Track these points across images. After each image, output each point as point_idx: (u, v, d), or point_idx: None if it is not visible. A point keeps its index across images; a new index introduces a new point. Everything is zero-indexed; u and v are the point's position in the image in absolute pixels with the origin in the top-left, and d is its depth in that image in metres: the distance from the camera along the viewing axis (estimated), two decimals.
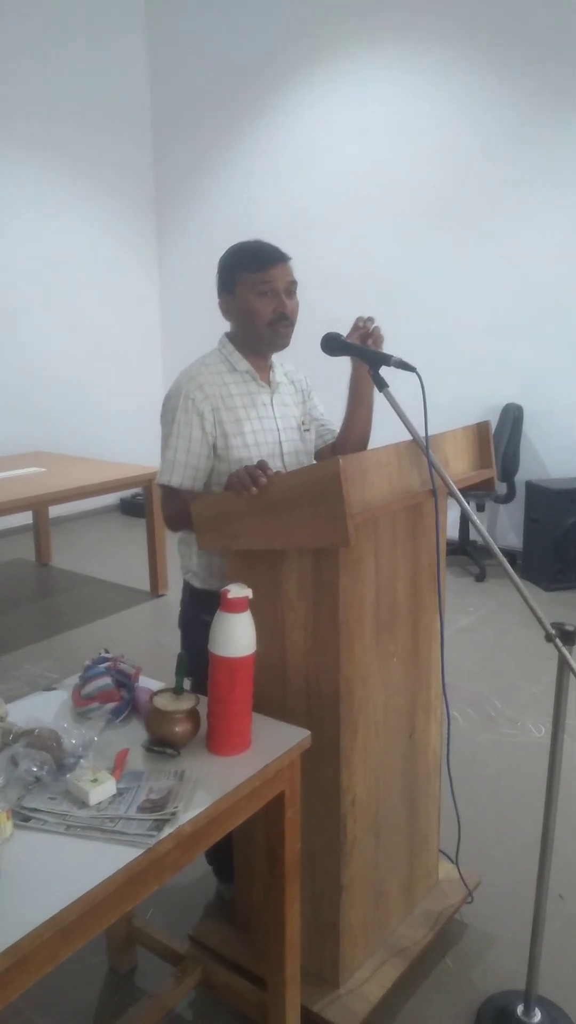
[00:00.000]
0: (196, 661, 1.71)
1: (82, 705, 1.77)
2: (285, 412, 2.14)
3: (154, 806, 1.42)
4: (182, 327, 7.37)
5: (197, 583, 2.12)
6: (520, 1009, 1.96)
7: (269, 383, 2.12)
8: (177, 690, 1.64)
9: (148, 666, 1.98)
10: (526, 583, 5.28)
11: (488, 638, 4.41)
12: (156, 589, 5.13)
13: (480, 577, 5.36)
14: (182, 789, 1.47)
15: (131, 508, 7.16)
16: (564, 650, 1.69)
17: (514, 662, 4.08)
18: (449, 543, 5.66)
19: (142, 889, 1.35)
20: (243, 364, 2.07)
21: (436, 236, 5.72)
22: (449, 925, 2.27)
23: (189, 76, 6.86)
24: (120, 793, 1.46)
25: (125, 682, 1.83)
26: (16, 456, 5.66)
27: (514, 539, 5.71)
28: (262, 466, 1.69)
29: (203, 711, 1.66)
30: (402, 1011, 2.03)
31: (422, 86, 5.59)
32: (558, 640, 1.69)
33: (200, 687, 1.69)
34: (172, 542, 5.09)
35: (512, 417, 5.34)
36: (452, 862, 2.34)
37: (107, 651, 1.93)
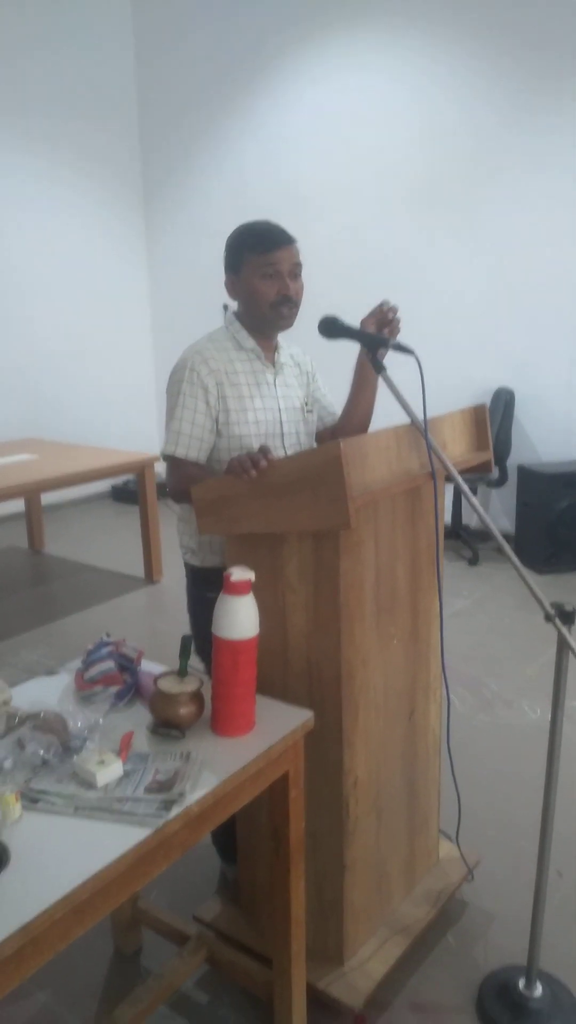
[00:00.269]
0: (203, 640, 1.72)
1: (85, 689, 1.78)
2: (288, 393, 2.15)
3: (161, 787, 1.44)
4: (172, 313, 7.35)
5: (196, 562, 2.14)
6: (522, 983, 1.99)
7: (274, 363, 2.14)
8: (181, 672, 1.66)
9: (147, 651, 1.98)
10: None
11: (482, 622, 4.44)
12: (151, 575, 5.13)
13: (473, 561, 5.39)
14: (188, 770, 1.48)
15: (123, 495, 7.16)
16: (564, 629, 1.71)
17: (509, 645, 4.11)
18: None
19: (152, 868, 1.37)
20: (249, 342, 2.10)
21: (427, 221, 5.71)
22: (450, 903, 2.30)
23: (176, 62, 6.81)
24: (127, 775, 1.47)
25: (128, 666, 1.83)
26: (8, 443, 5.64)
27: (506, 523, 5.73)
28: (263, 450, 1.70)
29: (208, 693, 1.67)
30: (405, 987, 2.06)
31: (412, 71, 5.56)
32: (557, 620, 1.71)
33: (211, 666, 1.70)
34: (166, 529, 5.14)
35: (504, 401, 5.36)
36: (452, 841, 2.36)
37: (109, 635, 1.94)
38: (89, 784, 1.44)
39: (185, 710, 1.61)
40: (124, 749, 1.55)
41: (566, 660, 1.76)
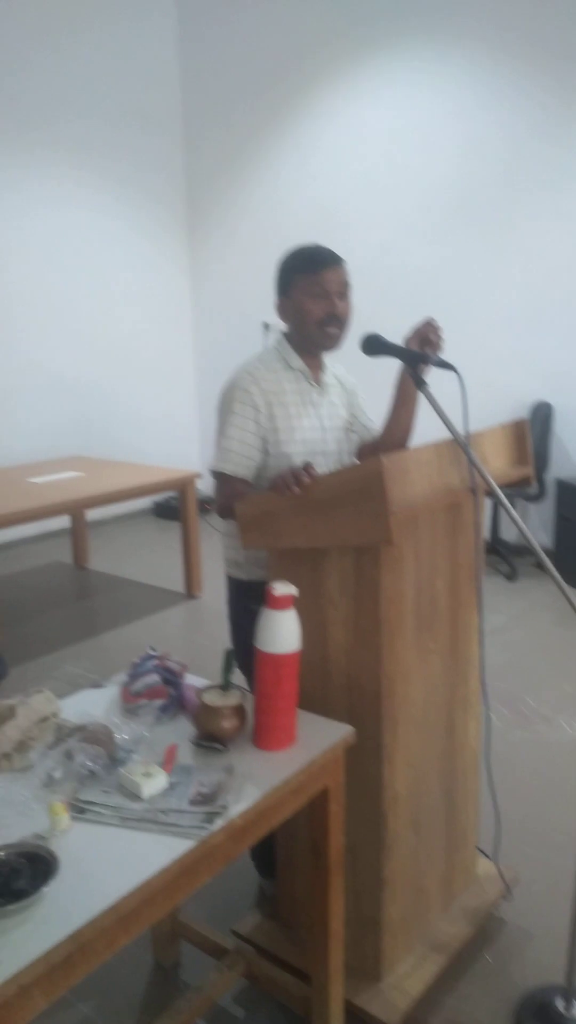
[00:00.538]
0: (245, 653, 1.74)
1: (131, 701, 1.81)
2: (333, 412, 2.19)
3: (205, 799, 1.46)
4: (214, 333, 7.41)
5: (241, 575, 2.18)
6: (560, 1003, 1.97)
7: (320, 383, 2.17)
8: (224, 686, 1.68)
9: (189, 665, 2.01)
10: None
11: (520, 637, 4.41)
12: (191, 590, 5.17)
13: (511, 576, 5.36)
14: (231, 783, 1.50)
15: (165, 511, 7.22)
16: None
17: (547, 661, 4.07)
18: None
19: (195, 880, 1.39)
20: (297, 362, 2.14)
21: (464, 234, 5.72)
22: (488, 921, 2.29)
23: (220, 78, 6.91)
24: (171, 787, 1.49)
25: (172, 679, 1.86)
26: (55, 461, 5.73)
27: (545, 537, 5.69)
28: (306, 466, 1.73)
29: (249, 707, 1.69)
30: (443, 1006, 2.05)
31: (450, 86, 5.60)
32: None
33: (252, 678, 1.72)
34: (206, 544, 5.17)
35: (542, 415, 5.33)
36: (490, 859, 2.35)
37: (154, 649, 1.97)
38: (135, 795, 1.46)
39: (228, 723, 1.64)
40: (168, 761, 1.57)
41: None
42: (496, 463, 2.08)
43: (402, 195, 5.96)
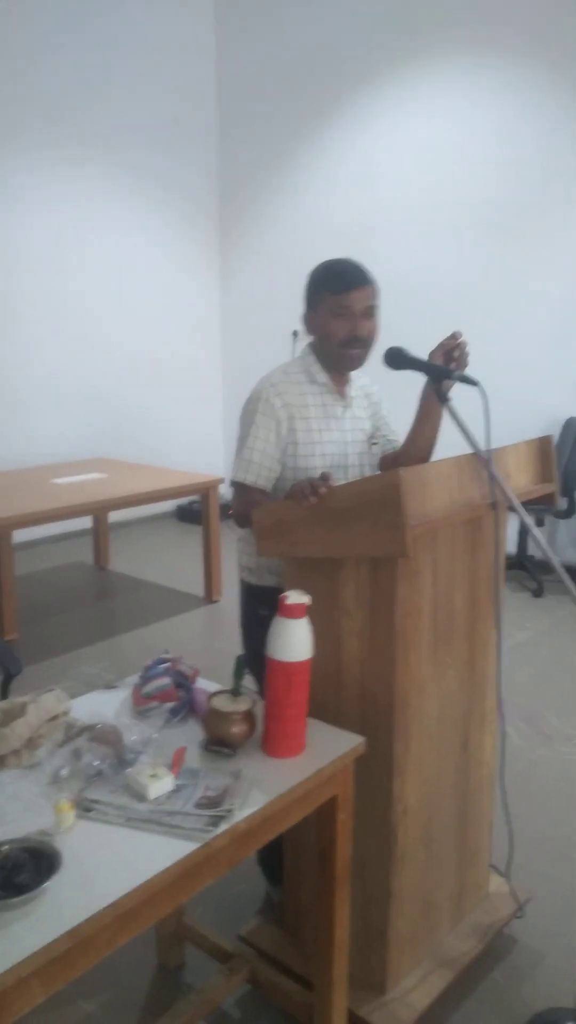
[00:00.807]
0: (255, 658, 1.75)
1: (142, 704, 1.82)
2: (356, 426, 2.20)
3: (211, 803, 1.46)
4: (242, 340, 7.45)
5: (253, 580, 2.19)
6: None
7: (344, 396, 2.17)
8: (235, 692, 1.68)
9: (203, 669, 2.02)
10: None
11: (544, 654, 4.37)
12: (210, 595, 5.19)
13: (538, 593, 5.31)
14: (238, 788, 1.51)
15: (187, 515, 7.26)
16: None
17: (571, 679, 4.03)
18: (507, 558, 5.61)
19: (197, 882, 1.39)
20: (322, 376, 2.14)
21: (499, 249, 5.70)
22: (498, 939, 2.27)
23: (255, 85, 6.96)
24: (178, 789, 1.50)
25: (183, 683, 1.87)
26: (80, 462, 5.80)
27: (573, 555, 5.64)
28: (324, 477, 1.73)
29: (260, 713, 1.69)
30: (448, 1022, 2.03)
31: (487, 99, 5.59)
32: None
33: (262, 683, 1.72)
34: (227, 549, 5.19)
35: (574, 431, 5.29)
36: (503, 876, 2.33)
37: (167, 652, 1.98)
38: (141, 796, 1.47)
39: (237, 729, 1.64)
40: (176, 764, 1.58)
41: None
42: (519, 479, 2.07)
43: (436, 208, 5.95)
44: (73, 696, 1.88)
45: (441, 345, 2.01)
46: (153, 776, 1.49)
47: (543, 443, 2.14)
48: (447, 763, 2.04)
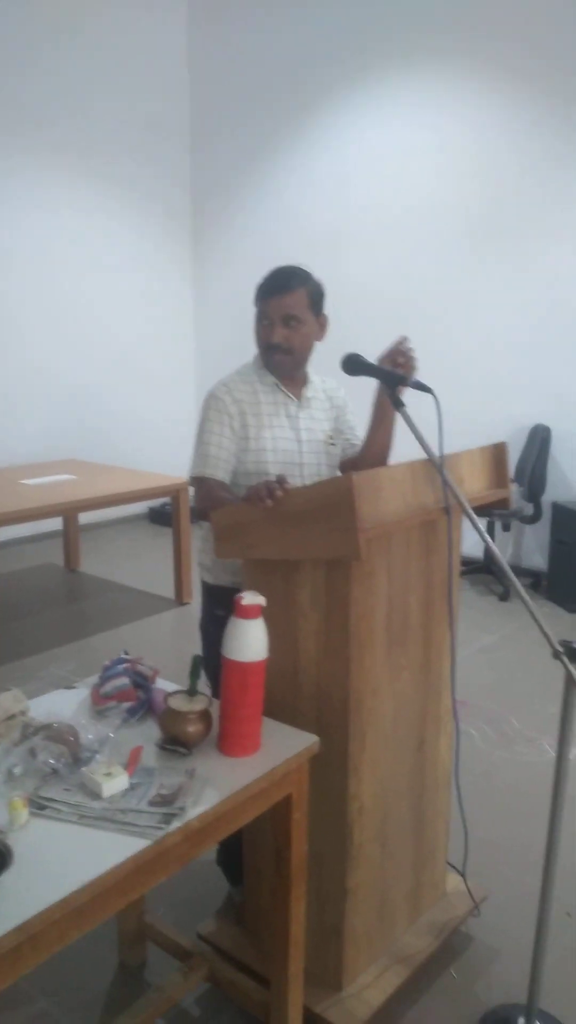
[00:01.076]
0: (211, 657, 1.77)
1: (100, 704, 1.84)
2: (312, 426, 2.23)
3: (164, 801, 1.48)
4: (215, 340, 7.48)
5: (210, 579, 2.23)
6: (521, 1022, 1.99)
7: (299, 396, 2.22)
8: (191, 692, 1.71)
9: (170, 671, 2.04)
10: (551, 604, 5.28)
11: (509, 657, 4.43)
12: (180, 597, 5.21)
13: (504, 597, 5.37)
14: (191, 786, 1.53)
15: (159, 517, 7.27)
16: (571, 667, 1.73)
17: (534, 682, 4.09)
18: (473, 562, 5.68)
19: (150, 878, 1.42)
20: (269, 377, 2.20)
21: (470, 256, 5.77)
22: (454, 937, 2.31)
23: (228, 89, 6.99)
24: (132, 787, 1.52)
25: (142, 683, 1.89)
26: (50, 463, 5.80)
27: (539, 560, 5.71)
28: (280, 479, 1.76)
29: (216, 713, 1.72)
30: (404, 1018, 2.07)
31: (460, 107, 5.65)
32: (564, 657, 1.73)
33: (217, 683, 1.75)
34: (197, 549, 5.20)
35: (540, 438, 5.37)
36: (461, 875, 2.37)
37: (126, 653, 2.00)
38: (95, 794, 1.49)
39: (193, 728, 1.66)
40: (132, 763, 1.60)
41: (574, 697, 1.78)
42: (473, 485, 2.11)
43: (408, 215, 6.01)
44: (35, 697, 1.90)
45: (389, 351, 2.06)
46: (108, 775, 1.51)
47: (497, 449, 2.18)
48: (403, 763, 2.07)
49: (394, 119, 6.00)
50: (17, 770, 1.51)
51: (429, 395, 1.88)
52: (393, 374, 1.97)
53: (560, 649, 1.73)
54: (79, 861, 1.33)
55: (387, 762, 2.01)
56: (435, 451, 1.86)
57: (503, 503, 2.21)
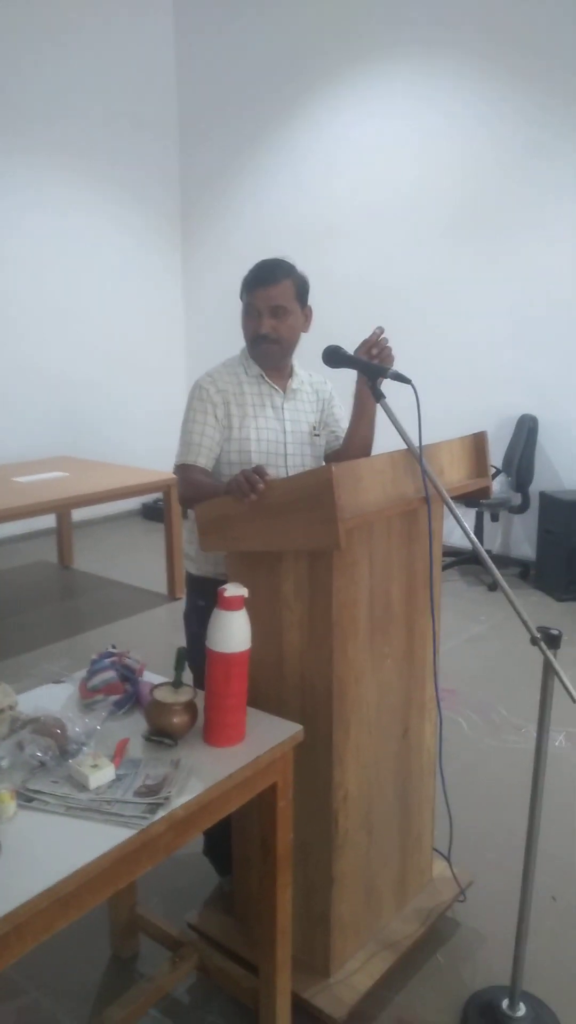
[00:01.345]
0: (193, 647, 1.79)
1: (88, 697, 1.86)
2: (296, 417, 2.26)
3: (149, 791, 1.51)
4: (206, 334, 7.50)
5: (194, 569, 2.25)
6: (505, 1003, 2.02)
7: (284, 388, 2.25)
8: (176, 683, 1.73)
9: (161, 666, 2.06)
10: (539, 593, 5.32)
11: (497, 647, 4.46)
12: (173, 592, 5.23)
13: (493, 587, 5.41)
14: (176, 776, 1.55)
15: (153, 513, 7.29)
16: (548, 653, 1.76)
17: (522, 671, 4.12)
18: (462, 552, 5.72)
19: (136, 867, 1.44)
20: (254, 369, 2.23)
21: (455, 249, 5.79)
22: (441, 922, 2.34)
23: (215, 86, 7.00)
24: (118, 778, 1.54)
25: (129, 676, 1.91)
26: (41, 461, 5.81)
27: (528, 549, 5.75)
28: (259, 471, 1.78)
29: (201, 704, 1.74)
30: (391, 1003, 2.10)
31: (443, 100, 5.67)
32: (542, 643, 1.76)
33: (199, 673, 1.77)
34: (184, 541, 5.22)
35: (527, 428, 5.39)
36: (448, 861, 2.40)
37: (114, 646, 2.02)
38: (82, 786, 1.51)
39: (178, 719, 1.69)
40: (118, 755, 1.62)
41: (552, 683, 1.81)
42: (454, 475, 2.13)
43: (396, 208, 6.03)
44: (25, 692, 1.92)
45: (364, 342, 2.08)
46: (94, 766, 1.53)
47: (477, 439, 2.21)
48: (387, 751, 2.10)
49: (378, 113, 6.01)
50: (5, 763, 1.53)
51: (409, 386, 1.90)
52: (372, 366, 1.99)
53: (538, 635, 1.76)
54: (66, 851, 1.35)
55: (371, 750, 2.04)
56: (415, 441, 1.88)
57: (484, 492, 2.23)
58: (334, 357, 2.01)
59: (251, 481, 1.77)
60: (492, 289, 5.67)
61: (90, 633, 4.69)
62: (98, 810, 1.46)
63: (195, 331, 7.63)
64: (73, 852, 1.34)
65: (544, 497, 5.37)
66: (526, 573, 5.62)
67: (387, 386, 1.97)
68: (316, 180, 6.47)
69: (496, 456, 5.58)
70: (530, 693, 3.85)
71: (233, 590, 1.66)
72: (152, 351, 7.42)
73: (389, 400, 1.94)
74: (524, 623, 1.76)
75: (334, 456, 2.33)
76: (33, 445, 6.36)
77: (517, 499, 5.50)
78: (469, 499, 2.24)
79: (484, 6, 5.35)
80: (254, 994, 1.96)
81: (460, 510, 2.00)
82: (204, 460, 2.16)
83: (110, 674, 1.89)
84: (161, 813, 1.45)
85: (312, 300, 2.23)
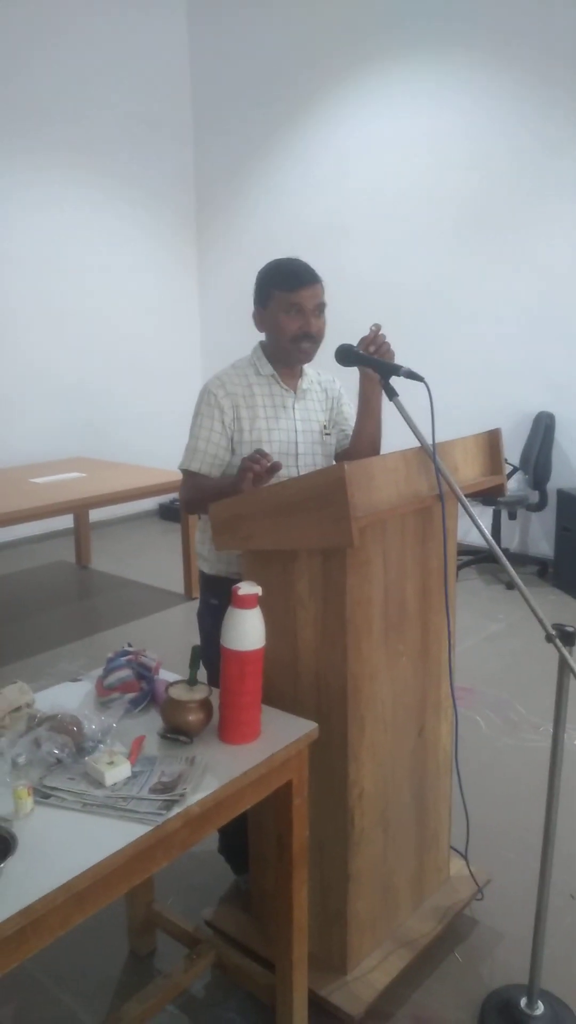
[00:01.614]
0: (207, 645, 1.80)
1: (104, 695, 1.88)
2: (307, 416, 2.26)
3: (165, 788, 1.52)
4: (221, 336, 7.51)
5: (207, 568, 2.27)
6: (523, 1002, 2.01)
7: (295, 389, 2.24)
8: (191, 681, 1.74)
9: (178, 664, 2.07)
10: (558, 591, 5.29)
11: (515, 645, 4.44)
12: (190, 592, 5.25)
13: (511, 585, 5.39)
14: (192, 773, 1.56)
15: (170, 513, 7.32)
16: (564, 650, 1.76)
17: (540, 669, 4.11)
18: (479, 551, 5.70)
19: (151, 864, 1.45)
20: (267, 369, 2.23)
21: (469, 246, 5.77)
22: (458, 920, 2.33)
23: (229, 85, 7.01)
24: (134, 775, 1.56)
25: (145, 674, 1.93)
26: (59, 461, 5.84)
27: (546, 547, 5.72)
28: (257, 452, 1.81)
29: (216, 702, 1.75)
30: (408, 1000, 2.10)
31: (457, 97, 5.66)
32: (558, 640, 1.75)
33: (212, 670, 1.78)
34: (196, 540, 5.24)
35: (544, 425, 5.37)
36: (463, 858, 2.40)
37: (130, 644, 2.04)
38: (98, 783, 1.52)
39: (193, 717, 1.70)
40: (134, 752, 1.63)
41: (567, 680, 1.81)
42: (468, 472, 2.13)
43: (408, 206, 6.03)
44: (45, 690, 1.94)
45: (362, 340, 2.09)
46: (110, 763, 1.54)
47: (491, 436, 2.20)
48: (403, 748, 2.10)
49: (392, 111, 6.01)
50: (22, 760, 1.55)
51: (434, 384, 1.91)
52: (386, 364, 1.99)
53: (553, 632, 1.76)
54: (81, 847, 1.36)
55: (387, 748, 2.04)
56: (428, 439, 1.88)
57: (499, 489, 2.23)
58: (347, 356, 2.01)
59: (252, 458, 1.79)
60: (506, 286, 5.65)
61: (107, 632, 4.71)
62: (114, 807, 1.47)
63: (210, 331, 7.65)
64: (89, 848, 1.36)
65: (562, 495, 5.34)
66: (544, 571, 5.60)
67: (402, 384, 1.97)
68: (328, 179, 6.47)
69: (513, 454, 5.57)
70: (548, 691, 3.80)
71: (247, 588, 1.66)
72: (169, 351, 7.45)
73: (403, 398, 1.94)
74: (539, 620, 1.76)
75: (343, 456, 2.33)
76: (50, 447, 6.40)
77: (535, 497, 5.48)
78: (486, 497, 2.24)
79: (494, 5, 5.33)
80: (271, 991, 1.97)
81: (477, 509, 1.99)
82: (208, 468, 2.17)
83: (126, 672, 1.91)
84: (176, 810, 1.46)
85: (324, 298, 2.23)
